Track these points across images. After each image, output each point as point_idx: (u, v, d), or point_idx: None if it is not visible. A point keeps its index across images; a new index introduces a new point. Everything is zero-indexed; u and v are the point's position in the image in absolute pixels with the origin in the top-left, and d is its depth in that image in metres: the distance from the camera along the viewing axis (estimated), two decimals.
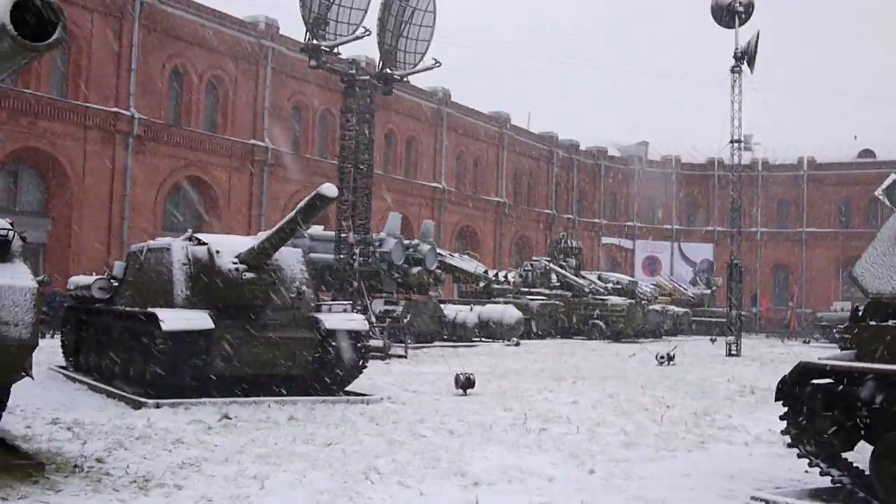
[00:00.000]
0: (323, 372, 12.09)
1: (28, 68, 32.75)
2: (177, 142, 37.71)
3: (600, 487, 7.00)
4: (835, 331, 18.83)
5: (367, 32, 22.70)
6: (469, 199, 54.65)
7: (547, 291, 37.04)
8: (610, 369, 20.08)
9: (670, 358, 21.83)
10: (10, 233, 6.05)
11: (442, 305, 29.55)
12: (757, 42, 28.31)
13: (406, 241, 27.76)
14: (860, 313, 7.32)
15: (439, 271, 29.78)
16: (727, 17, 28.59)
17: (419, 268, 27.02)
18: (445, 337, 28.86)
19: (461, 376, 13.79)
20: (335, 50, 23.11)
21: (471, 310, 30.93)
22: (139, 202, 35.82)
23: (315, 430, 9.40)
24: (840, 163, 65.34)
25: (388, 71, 23.69)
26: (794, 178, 66.72)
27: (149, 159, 36.47)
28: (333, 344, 11.86)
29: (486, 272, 35.91)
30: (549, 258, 39.80)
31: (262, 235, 17.82)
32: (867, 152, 66.20)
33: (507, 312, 30.90)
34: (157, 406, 10.51)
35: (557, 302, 35.99)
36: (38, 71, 33.17)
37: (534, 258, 42.11)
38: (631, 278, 45.48)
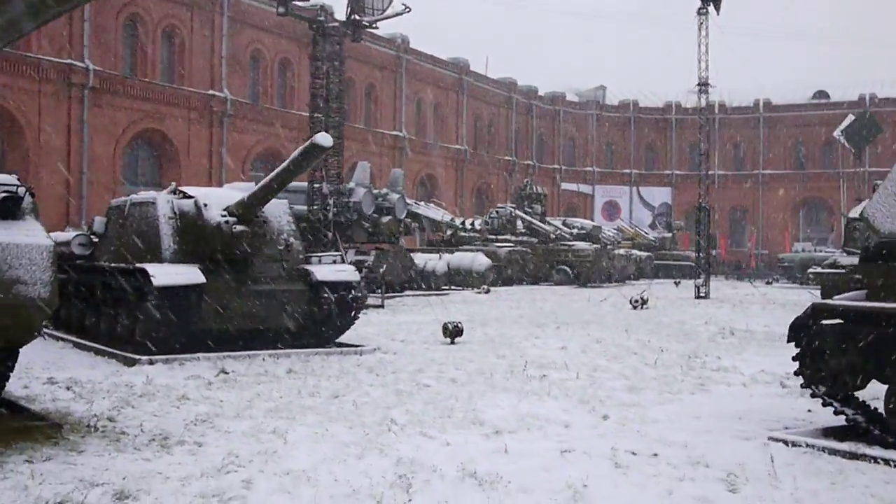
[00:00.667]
0: (314, 324, 12.01)
1: None
2: (133, 93, 36.89)
3: (619, 432, 7.04)
4: (809, 272, 19.08)
5: (406, 9, 22.30)
6: (429, 147, 54.32)
7: (513, 238, 37.12)
8: (587, 314, 20.24)
9: (644, 301, 22.06)
10: (20, 189, 5.84)
11: (411, 255, 29.48)
12: None
13: (375, 191, 27.54)
14: (870, 253, 7.37)
15: (409, 220, 29.66)
16: None
17: (389, 217, 26.86)
18: (416, 286, 28.85)
19: (449, 325, 13.78)
20: (374, 25, 22.66)
21: (440, 258, 30.91)
22: (97, 156, 35.07)
23: (317, 383, 9.34)
24: (795, 104, 65.95)
25: (357, 17, 23.23)
26: (750, 121, 67.24)
27: (105, 112, 35.66)
28: (325, 295, 11.76)
29: (452, 220, 35.85)
30: (514, 205, 39.81)
31: (239, 186, 17.59)
32: (821, 93, 66.88)
33: (476, 260, 30.95)
34: (151, 363, 10.36)
35: (525, 249, 36.11)
36: None
37: (499, 205, 42.14)
38: (595, 223, 45.77)
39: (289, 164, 10.11)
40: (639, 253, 44.64)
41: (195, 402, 8.14)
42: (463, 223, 36.83)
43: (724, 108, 68.22)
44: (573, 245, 37.54)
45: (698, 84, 30.02)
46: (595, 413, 7.86)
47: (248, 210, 10.95)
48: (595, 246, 37.69)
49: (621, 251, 40.97)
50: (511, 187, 61.05)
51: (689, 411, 8.09)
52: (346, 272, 12.26)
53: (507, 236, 37.24)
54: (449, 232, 35.20)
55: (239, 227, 10.91)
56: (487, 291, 29.15)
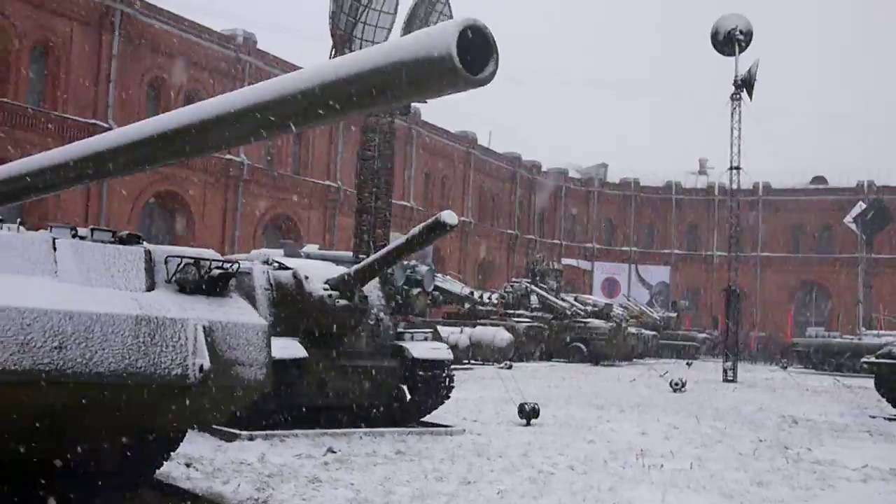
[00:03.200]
0: (405, 402, 11.79)
1: (6, 77, 31.79)
2: None
3: None
4: (863, 362, 19.03)
5: None
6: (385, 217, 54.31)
7: (528, 313, 37.00)
8: (632, 396, 20.04)
9: (683, 384, 21.90)
10: (233, 266, 5.69)
11: None
12: (757, 70, 28.83)
13: (405, 262, 27.43)
14: None
15: (436, 293, 29.51)
16: (727, 44, 29.06)
17: (419, 289, 26.73)
18: None
19: (526, 406, 13.59)
20: None
21: (461, 332, 30.68)
22: (115, 215, 34.87)
23: (436, 466, 9.10)
24: (794, 189, 66.77)
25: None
26: (750, 203, 67.88)
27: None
28: (420, 374, 11.56)
29: (471, 293, 35.73)
30: (528, 280, 39.79)
31: (312, 252, 17.40)
32: (819, 178, 67.85)
33: (497, 335, 30.76)
34: (251, 438, 10.11)
35: (541, 325, 35.98)
36: (17, 80, 32.22)
37: (514, 280, 42.10)
38: (607, 301, 45.77)
39: (407, 241, 9.99)
40: (646, 332, 44.57)
41: (331, 485, 7.88)
42: (481, 296, 36.72)
43: (724, 191, 68.94)
44: (588, 322, 37.46)
45: (731, 167, 30.34)
46: None
47: (352, 285, 10.80)
48: (611, 324, 37.60)
49: (633, 330, 40.89)
50: (514, 261, 61.20)
51: None
52: (440, 350, 12.09)
53: (522, 311, 37.12)
54: (467, 305, 35.06)
55: (342, 302, 10.74)
56: (510, 367, 28.87)
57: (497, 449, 10.61)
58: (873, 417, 17.30)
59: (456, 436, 11.63)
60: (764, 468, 10.10)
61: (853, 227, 47.99)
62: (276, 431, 10.37)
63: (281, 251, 17.66)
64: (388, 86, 3.69)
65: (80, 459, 6.05)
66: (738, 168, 30.24)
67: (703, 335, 52.20)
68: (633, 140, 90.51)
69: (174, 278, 5.59)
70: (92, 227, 5.64)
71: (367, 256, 23.69)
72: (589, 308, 39.51)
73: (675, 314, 52.09)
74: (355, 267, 10.93)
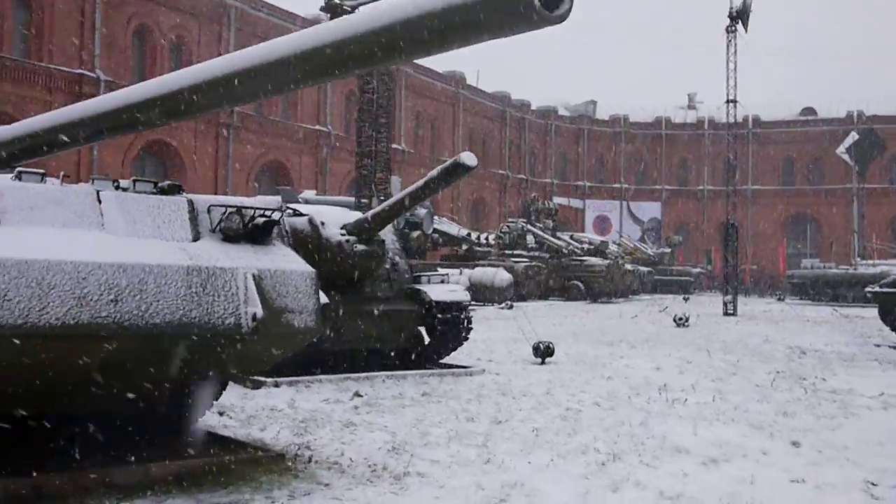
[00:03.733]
0: (423, 344, 11.85)
1: None
2: None
3: (828, 461, 6.95)
4: (867, 291, 19.18)
5: None
6: (427, 160, 54.18)
7: (526, 253, 37.09)
8: (638, 332, 20.20)
9: (686, 319, 22.08)
10: (276, 213, 5.64)
11: None
12: (752, 1, 28.54)
13: None
14: None
15: (435, 235, 29.50)
16: None
17: (418, 231, 26.69)
18: None
19: (540, 345, 13.69)
20: (356, 9, 22.34)
21: (460, 273, 30.74)
22: (107, 166, 34.56)
23: (465, 407, 9.18)
24: (784, 121, 66.62)
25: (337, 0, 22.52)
26: (740, 137, 67.75)
27: None
28: (439, 316, 11.60)
29: (469, 234, 35.74)
30: (524, 220, 39.80)
31: (307, 196, 17.34)
32: (809, 110, 67.72)
33: (497, 275, 30.83)
34: (277, 385, 10.15)
35: (539, 264, 36.09)
36: (0, 31, 31.66)
37: (509, 220, 42.09)
38: (602, 238, 45.90)
39: (426, 183, 9.91)
40: (642, 268, 44.80)
41: (366, 428, 7.94)
42: (478, 237, 36.74)
43: (713, 124, 68.85)
44: (585, 260, 37.59)
45: (727, 101, 30.21)
46: (778, 439, 7.76)
47: (370, 230, 10.76)
48: (607, 262, 37.77)
49: (629, 267, 41.09)
50: (506, 201, 61.16)
51: (873, 436, 8.00)
52: (457, 292, 12.10)
53: (519, 251, 37.19)
54: (465, 247, 35.09)
55: (360, 247, 10.70)
56: (511, 307, 29.03)
57: (519, 388, 10.70)
58: (878, 346, 17.51)
59: (476, 376, 11.72)
60: (784, 399, 10.22)
61: (846, 157, 48.07)
62: (300, 377, 10.40)
63: (278, 198, 17.54)
64: (461, 24, 3.61)
65: (126, 408, 6.07)
66: (734, 101, 30.13)
67: (698, 270, 52.55)
68: (622, 76, 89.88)
69: (218, 227, 5.55)
70: (134, 178, 5.57)
71: (370, 201, 23.69)
72: (585, 246, 39.65)
73: (668, 250, 52.32)
74: (372, 211, 10.88)
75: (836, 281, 38.20)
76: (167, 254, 5.12)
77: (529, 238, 38.24)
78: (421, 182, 10.12)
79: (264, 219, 5.60)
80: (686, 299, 38.45)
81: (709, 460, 6.81)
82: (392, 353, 11.98)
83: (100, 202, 5.22)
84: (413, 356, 12.00)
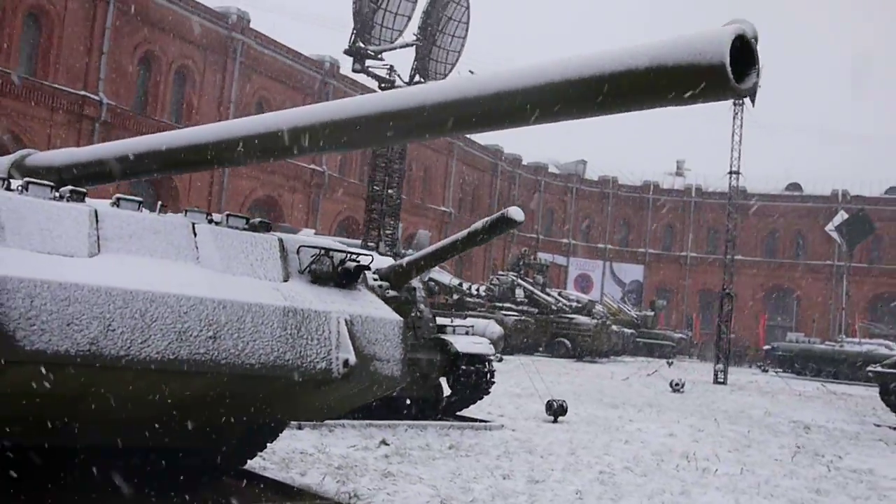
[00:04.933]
0: (446, 395, 11.72)
1: None
2: (142, 130, 36.32)
3: None
4: (868, 371, 19.26)
5: (419, 40, 22.12)
6: (418, 208, 54.30)
7: (514, 307, 37.03)
8: (637, 395, 20.13)
9: (682, 385, 22.06)
10: (366, 258, 5.56)
11: None
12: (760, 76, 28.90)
13: (401, 251, 27.24)
14: None
15: (432, 283, 29.39)
16: None
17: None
18: None
19: (553, 402, 13.60)
20: (379, 56, 22.45)
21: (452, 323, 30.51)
22: (101, 189, 34.22)
23: (498, 464, 9.07)
24: (769, 194, 67.35)
25: (361, 45, 22.72)
26: (725, 207, 68.37)
27: None
28: (463, 367, 11.49)
29: (460, 284, 35.68)
30: (514, 273, 39.80)
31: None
32: (794, 185, 68.63)
33: (489, 328, 30.60)
34: (300, 428, 9.98)
35: (528, 318, 36.04)
36: (8, 47, 31.54)
37: (500, 272, 42.09)
38: (590, 298, 45.94)
39: (469, 234, 9.83)
40: (626, 330, 44.82)
41: (405, 480, 7.81)
42: (469, 288, 36.68)
43: (700, 192, 69.62)
44: (574, 318, 37.57)
45: (730, 171, 30.52)
46: None
47: (403, 276, 10.66)
48: (595, 321, 37.76)
49: (615, 327, 41.09)
50: (492, 254, 61.24)
51: None
52: (482, 344, 12.02)
53: (508, 304, 37.14)
54: (456, 296, 34.99)
55: (392, 293, 10.57)
56: (501, 360, 28.82)
57: (542, 446, 10.59)
58: (878, 426, 17.53)
59: (495, 431, 11.61)
60: (810, 475, 10.17)
61: (835, 235, 48.64)
62: (322, 423, 10.24)
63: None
64: (640, 90, 3.58)
65: (195, 445, 5.93)
66: (737, 172, 30.46)
67: (679, 335, 52.64)
68: (613, 138, 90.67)
69: (307, 269, 5.46)
70: (227, 213, 5.48)
71: (377, 246, 23.60)
72: (573, 304, 39.65)
73: (652, 313, 52.40)
74: (407, 258, 10.77)
75: (822, 357, 38.43)
76: (263, 293, 5.02)
77: (519, 292, 38.21)
78: (463, 233, 10.04)
79: (354, 263, 5.52)
80: (670, 364, 38.42)
81: None
82: (408, 402, 11.83)
83: (195, 235, 5.13)
84: (433, 406, 11.85)
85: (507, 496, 7.47)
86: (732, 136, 29.51)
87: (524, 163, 66.63)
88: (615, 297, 64.58)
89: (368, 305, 5.47)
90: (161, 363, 4.49)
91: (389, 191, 22.56)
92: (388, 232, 23.02)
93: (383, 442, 9.66)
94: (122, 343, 4.37)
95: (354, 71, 22.79)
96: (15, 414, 4.71)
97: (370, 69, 22.76)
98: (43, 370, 4.23)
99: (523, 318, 35.69)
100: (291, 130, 4.96)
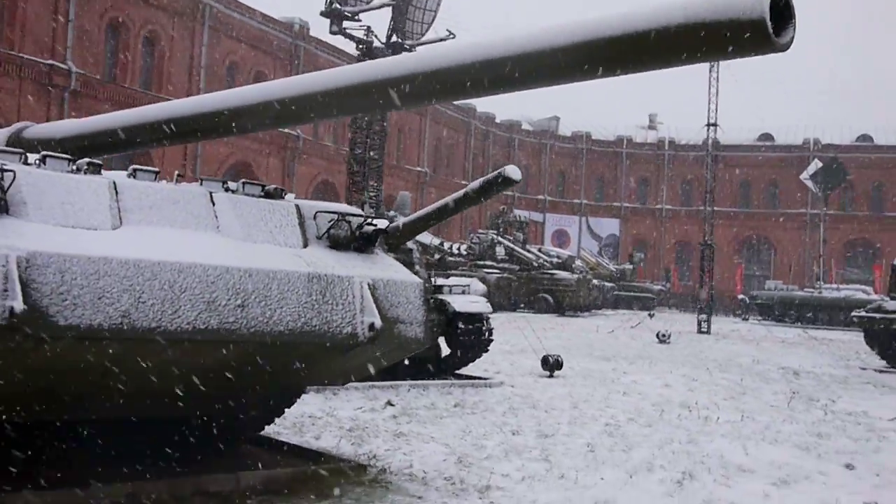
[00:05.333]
0: (441, 355, 11.79)
1: None
2: (113, 98, 35.79)
3: (891, 484, 7.05)
4: (853, 316, 19.55)
5: (394, 0, 21.93)
6: (394, 169, 54.02)
7: (496, 265, 37.15)
8: (625, 347, 20.33)
9: (668, 336, 22.29)
10: (383, 222, 5.55)
11: None
12: None
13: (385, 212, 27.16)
14: None
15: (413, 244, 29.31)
16: None
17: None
18: None
19: (549, 357, 13.70)
20: (356, 16, 22.19)
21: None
22: None
23: (505, 420, 9.15)
24: (743, 145, 67.64)
25: (398, 40, 22.86)
26: (699, 159, 68.54)
27: (84, 116, 34.44)
28: (461, 327, 11.54)
29: (441, 244, 35.71)
30: (494, 231, 39.86)
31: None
32: (767, 136, 68.99)
33: (472, 286, 30.65)
34: (305, 392, 9.98)
35: (510, 276, 36.18)
36: None
37: (480, 231, 42.12)
38: (570, 253, 46.16)
39: (464, 195, 9.81)
40: (606, 283, 45.16)
41: (417, 439, 7.86)
42: (450, 247, 36.72)
43: (674, 145, 69.82)
44: (555, 274, 37.75)
45: (707, 124, 30.64)
46: (828, 461, 7.83)
47: (400, 238, 10.64)
48: (576, 276, 37.98)
49: (595, 281, 41.39)
50: (468, 212, 61.23)
51: None
52: (479, 303, 12.07)
53: (490, 262, 37.24)
54: (437, 256, 35.02)
55: (391, 255, 10.58)
56: None
57: (544, 401, 10.68)
58: (864, 369, 17.84)
59: (496, 388, 11.69)
60: (808, 420, 10.35)
61: (809, 183, 49.04)
62: (325, 385, 10.25)
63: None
64: (680, 45, 3.56)
65: (218, 413, 5.94)
66: (714, 125, 30.59)
67: (658, 287, 53.11)
68: (586, 93, 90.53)
69: (325, 235, 5.43)
70: (243, 180, 5.43)
71: (362, 208, 23.48)
72: (554, 260, 39.81)
73: (630, 266, 52.80)
74: (405, 220, 10.75)
75: (801, 304, 38.95)
76: (286, 260, 5.00)
77: (499, 250, 38.31)
78: (459, 193, 10.02)
79: (372, 227, 5.51)
80: (651, 316, 38.83)
81: (779, 481, 6.84)
82: (407, 362, 11.85)
83: (213, 203, 5.08)
84: (431, 366, 11.90)
85: (520, 451, 7.54)
86: (709, 89, 29.61)
87: (497, 121, 66.42)
88: (592, 251, 64.95)
89: (388, 269, 5.47)
90: (191, 333, 4.47)
91: (371, 153, 22.44)
92: (371, 194, 22.94)
93: (389, 403, 9.71)
94: (152, 315, 4.34)
95: (332, 33, 22.54)
96: (42, 389, 4.68)
97: (347, 30, 22.53)
98: (76, 344, 4.20)
99: (505, 275, 35.84)
100: (321, 93, 4.91)
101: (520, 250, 38.62)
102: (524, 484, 6.34)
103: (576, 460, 7.27)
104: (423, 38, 23.38)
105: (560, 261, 40.39)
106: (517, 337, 19.23)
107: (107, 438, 5.61)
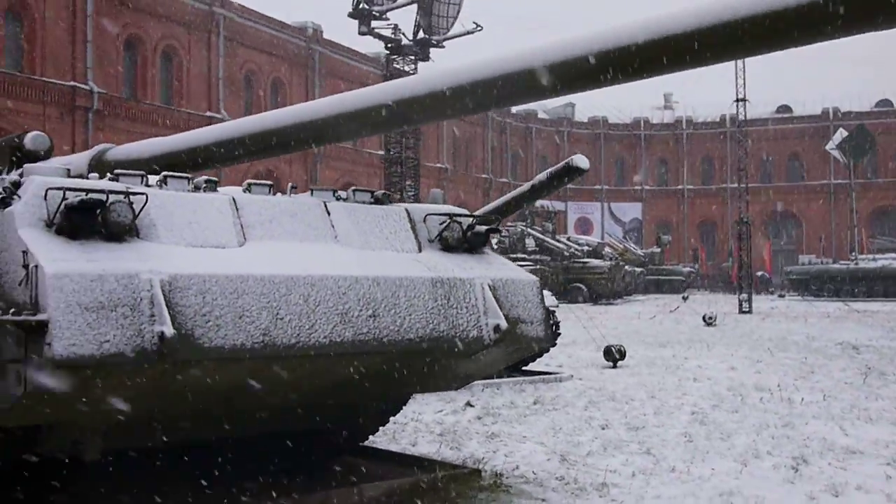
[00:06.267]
0: None
1: None
2: (134, 116, 35.91)
3: None
4: None
5: None
6: (410, 170, 53.91)
7: (527, 256, 37.01)
8: (675, 332, 20.19)
9: (714, 318, 22.14)
10: (494, 221, 5.46)
11: None
12: None
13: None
14: None
15: None
16: None
17: None
18: None
19: (612, 348, 13.60)
20: (384, 15, 22.12)
21: None
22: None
23: (589, 415, 9.05)
24: (761, 118, 67.10)
25: (426, 36, 22.76)
26: (718, 136, 68.21)
27: (108, 136, 34.54)
28: None
29: None
30: (523, 223, 39.73)
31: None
32: (785, 108, 68.43)
33: None
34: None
35: (544, 266, 36.05)
36: None
37: (508, 223, 41.96)
38: (599, 240, 45.99)
39: (532, 187, 9.74)
40: (636, 269, 44.95)
41: (512, 439, 7.78)
42: None
43: (692, 124, 69.41)
44: (588, 262, 37.60)
45: (737, 99, 30.41)
46: None
47: None
48: (609, 263, 37.82)
49: (627, 267, 41.20)
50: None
51: None
52: (548, 299, 11.93)
53: (520, 254, 37.09)
54: None
55: None
56: None
57: (620, 393, 10.58)
58: None
59: (566, 382, 11.61)
60: (891, 395, 10.21)
61: (836, 153, 48.59)
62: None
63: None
64: (816, 21, 3.41)
65: (327, 426, 5.87)
66: (743, 100, 30.33)
67: (688, 269, 52.80)
68: None
69: (438, 237, 5.35)
70: (353, 187, 5.35)
71: None
72: (584, 248, 39.65)
73: (658, 249, 52.52)
74: (476, 214, 10.66)
75: (839, 276, 38.55)
76: (408, 266, 4.92)
77: (529, 241, 38.19)
78: (526, 186, 9.96)
79: (485, 227, 5.42)
80: (685, 298, 38.56)
81: (892, 460, 6.73)
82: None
83: (328, 213, 5.01)
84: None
85: (618, 446, 7.44)
86: (736, 63, 29.34)
87: (513, 111, 66.19)
88: (617, 236, 64.68)
89: (503, 268, 5.38)
90: (327, 347, 4.40)
91: (407, 152, 22.37)
92: (410, 194, 22.87)
93: (468, 404, 9.62)
94: (291, 331, 4.28)
95: (361, 34, 22.46)
96: (176, 413, 4.63)
97: (375, 30, 22.44)
98: (218, 366, 4.14)
99: (538, 266, 35.66)
100: (395, 102, 4.88)
101: (550, 240, 38.48)
102: (638, 479, 6.24)
103: (678, 451, 7.17)
104: (450, 33, 23.25)
105: (590, 248, 40.28)
106: (565, 328, 19.07)
107: (200, 459, 5.52)
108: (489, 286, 5.10)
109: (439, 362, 5.02)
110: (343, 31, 46.38)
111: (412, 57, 22.83)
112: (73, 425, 4.31)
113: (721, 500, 5.62)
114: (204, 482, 5.17)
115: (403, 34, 22.89)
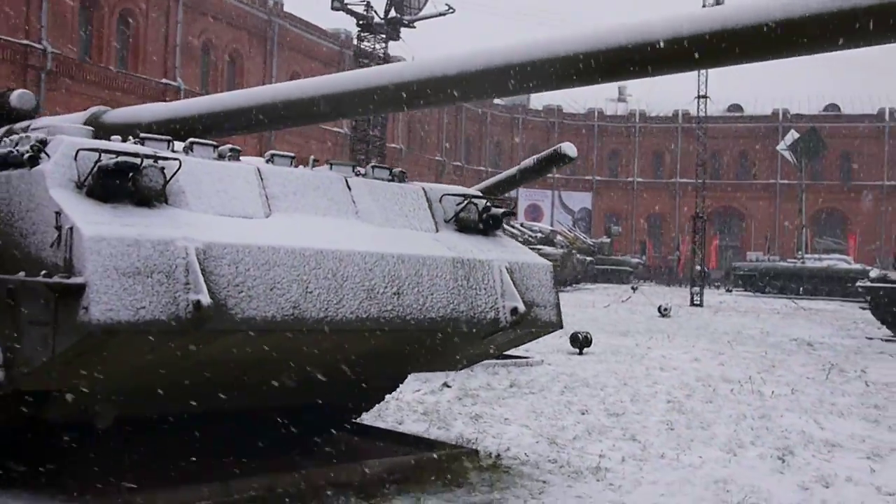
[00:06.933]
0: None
1: None
2: (89, 79, 35.12)
3: None
4: (858, 286, 19.87)
5: None
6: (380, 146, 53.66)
7: None
8: (633, 322, 20.43)
9: (669, 309, 22.47)
10: (509, 204, 5.47)
11: None
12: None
13: None
14: None
15: None
16: None
17: None
18: None
19: (579, 335, 13.73)
20: None
21: None
22: None
23: (567, 399, 9.15)
24: (713, 116, 67.84)
25: (398, 15, 22.60)
26: (670, 130, 69.04)
27: (61, 97, 33.73)
28: None
29: None
30: None
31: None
32: (735, 107, 69.48)
33: None
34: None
35: None
36: None
37: None
38: (551, 228, 46.25)
39: (520, 171, 9.75)
40: (586, 258, 45.31)
41: (495, 420, 7.84)
42: None
43: (644, 117, 70.13)
44: (541, 249, 37.67)
45: (698, 96, 30.76)
46: None
47: None
48: (561, 250, 38.07)
49: (578, 256, 41.52)
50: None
51: None
52: None
53: None
54: None
55: None
56: None
57: (592, 379, 10.70)
58: (870, 339, 18.11)
59: (537, 366, 11.70)
60: (856, 392, 10.48)
61: (787, 154, 49.52)
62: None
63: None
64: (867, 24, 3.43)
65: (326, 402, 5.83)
66: (705, 97, 30.71)
67: (636, 260, 53.43)
68: None
69: (454, 218, 5.34)
70: (373, 164, 5.31)
71: None
72: (538, 234, 39.86)
73: (608, 239, 53.04)
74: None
75: (785, 274, 39.41)
76: (430, 245, 4.91)
77: None
78: (513, 170, 9.97)
79: (500, 210, 5.42)
80: (634, 290, 38.97)
81: (871, 454, 6.91)
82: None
83: (349, 189, 4.96)
84: None
85: (602, 431, 7.53)
86: None
87: None
88: (567, 224, 65.12)
89: (518, 252, 5.39)
90: (354, 323, 4.37)
91: (374, 131, 22.24)
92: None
93: (445, 384, 9.65)
94: (320, 304, 4.24)
95: (333, 9, 22.24)
96: (194, 382, 4.56)
97: (348, 6, 22.24)
98: (248, 337, 4.09)
99: None
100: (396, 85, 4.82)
101: (505, 226, 38.51)
102: (629, 465, 6.32)
103: (662, 438, 7.28)
104: (422, 13, 23.13)
105: (543, 235, 40.46)
106: None
107: (200, 431, 5.46)
108: (507, 268, 5.10)
109: (452, 341, 5.01)
110: (307, 6, 45.98)
111: (382, 35, 22.67)
112: (92, 392, 4.21)
113: (716, 488, 5.72)
114: (204, 456, 5.12)
115: (376, 12, 22.73)
